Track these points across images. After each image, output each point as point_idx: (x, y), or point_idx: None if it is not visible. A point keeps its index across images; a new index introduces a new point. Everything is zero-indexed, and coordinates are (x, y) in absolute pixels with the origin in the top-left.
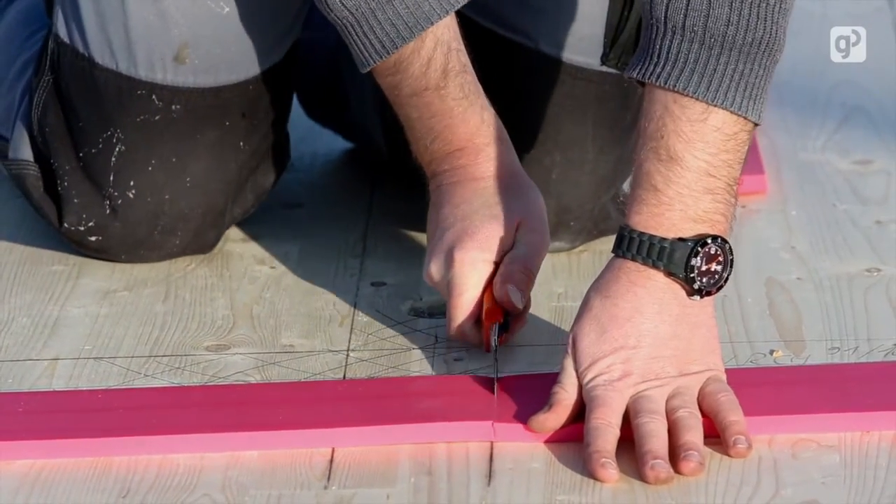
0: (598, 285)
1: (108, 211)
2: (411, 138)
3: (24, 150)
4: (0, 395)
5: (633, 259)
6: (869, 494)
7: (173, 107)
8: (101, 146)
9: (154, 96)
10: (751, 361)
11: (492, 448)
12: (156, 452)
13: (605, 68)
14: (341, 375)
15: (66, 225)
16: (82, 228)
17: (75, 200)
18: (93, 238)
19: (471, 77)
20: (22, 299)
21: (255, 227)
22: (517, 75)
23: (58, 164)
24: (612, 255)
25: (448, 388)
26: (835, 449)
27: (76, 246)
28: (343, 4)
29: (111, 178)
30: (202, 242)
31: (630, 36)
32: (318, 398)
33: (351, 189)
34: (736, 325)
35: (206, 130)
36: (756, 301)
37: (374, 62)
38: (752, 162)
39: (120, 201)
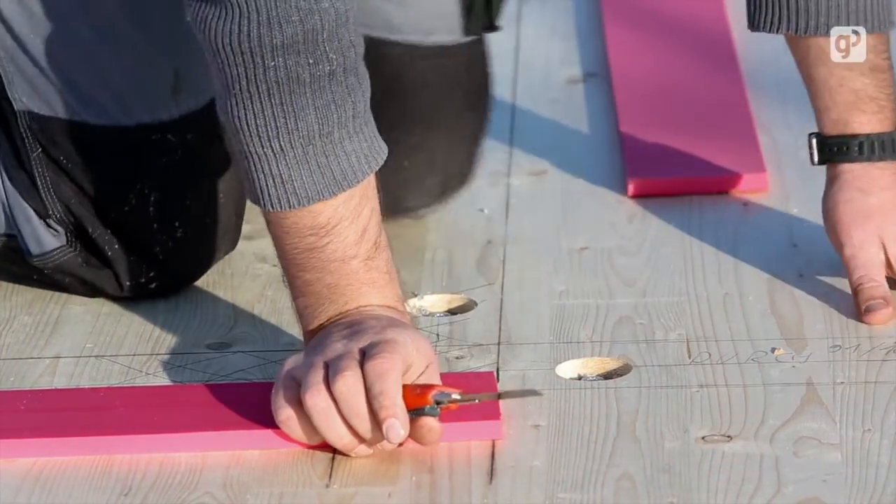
0: (844, 186)
1: (161, 257)
2: (308, 295)
3: (47, 241)
4: (1, 393)
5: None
6: (871, 492)
7: (188, 137)
8: (133, 202)
9: (168, 135)
10: (752, 359)
11: (493, 446)
12: (157, 451)
13: (466, 38)
14: None
15: (128, 284)
16: (143, 280)
17: (130, 258)
18: (152, 286)
19: (390, 255)
20: (23, 297)
21: (256, 225)
22: (391, 72)
23: (96, 233)
24: (835, 164)
25: (450, 386)
26: (836, 447)
27: (133, 296)
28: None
29: (155, 227)
30: (234, 244)
31: (479, 2)
32: None
33: None
34: (737, 323)
35: (219, 141)
36: (758, 299)
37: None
38: (753, 159)
39: (170, 244)
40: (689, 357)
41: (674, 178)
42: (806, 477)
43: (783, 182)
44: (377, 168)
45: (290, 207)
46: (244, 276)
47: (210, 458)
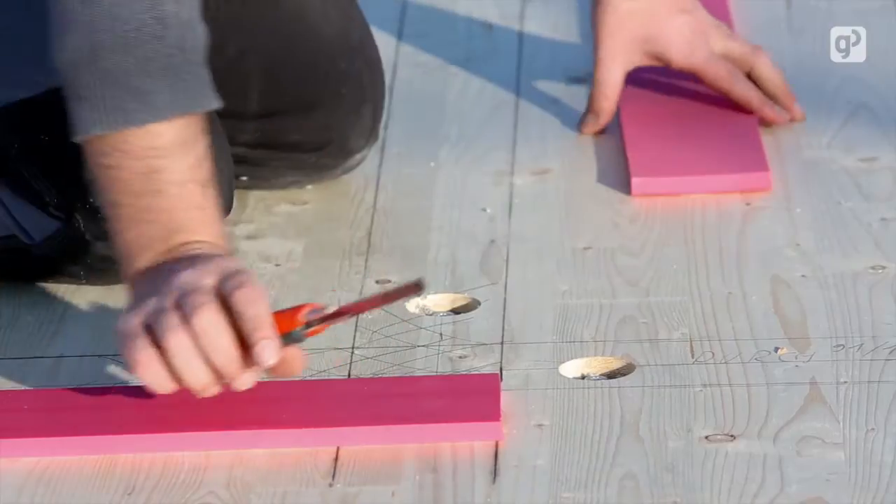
0: None
1: None
2: (141, 224)
3: (51, 225)
4: (4, 392)
5: None
6: (874, 492)
7: None
8: None
9: None
10: (756, 359)
11: (497, 445)
12: (161, 450)
13: None
14: (346, 373)
15: None
16: None
17: None
18: None
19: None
20: (26, 297)
21: (259, 224)
22: (294, 6)
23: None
24: None
25: (453, 386)
26: (840, 446)
27: None
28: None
29: None
30: (231, 196)
31: None
32: (322, 396)
33: (355, 186)
34: (740, 323)
35: None
36: (761, 298)
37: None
38: (756, 158)
39: None
40: (693, 356)
41: (676, 178)
42: (809, 476)
43: (786, 181)
44: (222, 104)
45: (152, 120)
46: None
47: (213, 457)
